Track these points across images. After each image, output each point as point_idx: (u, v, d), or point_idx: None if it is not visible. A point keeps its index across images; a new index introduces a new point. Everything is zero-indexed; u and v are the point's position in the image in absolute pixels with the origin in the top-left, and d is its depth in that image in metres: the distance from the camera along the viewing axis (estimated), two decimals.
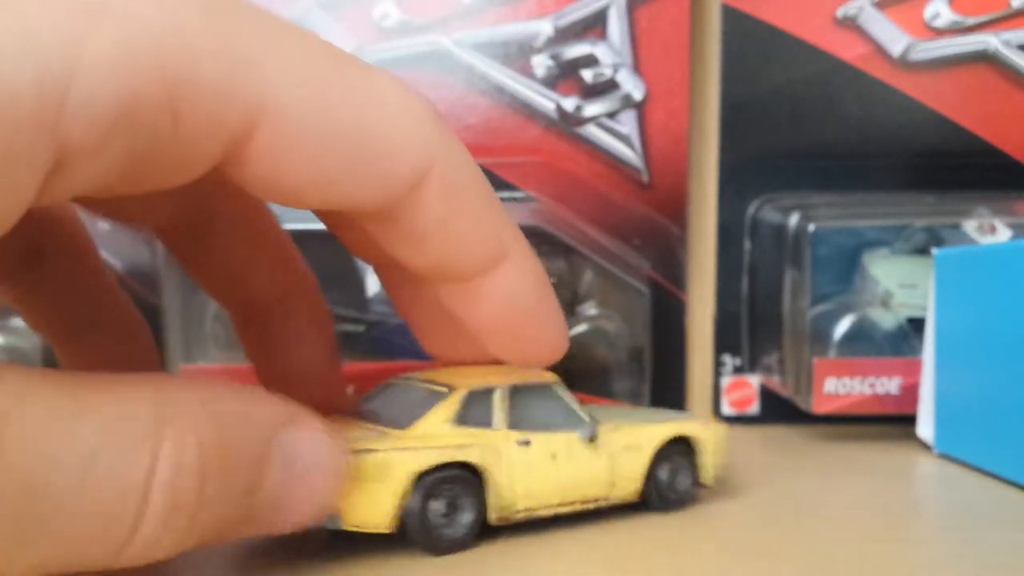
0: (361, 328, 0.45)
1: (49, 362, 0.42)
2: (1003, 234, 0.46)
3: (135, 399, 0.20)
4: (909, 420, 0.43)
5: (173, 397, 0.20)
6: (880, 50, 0.48)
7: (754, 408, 0.50)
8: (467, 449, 0.27)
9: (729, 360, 0.50)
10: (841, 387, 0.44)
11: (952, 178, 0.48)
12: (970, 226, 0.46)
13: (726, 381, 0.50)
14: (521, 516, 0.28)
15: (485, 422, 0.28)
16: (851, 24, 0.48)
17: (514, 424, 0.28)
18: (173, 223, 0.29)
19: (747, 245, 0.50)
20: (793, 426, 0.48)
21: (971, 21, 0.48)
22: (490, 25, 0.48)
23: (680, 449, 0.31)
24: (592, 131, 0.48)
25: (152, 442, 0.19)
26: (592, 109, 0.48)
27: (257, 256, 0.30)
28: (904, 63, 0.48)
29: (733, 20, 0.49)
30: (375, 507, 0.25)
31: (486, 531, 0.28)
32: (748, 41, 0.49)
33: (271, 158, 0.21)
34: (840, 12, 0.48)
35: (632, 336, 0.48)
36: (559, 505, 0.29)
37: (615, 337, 0.48)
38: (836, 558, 0.26)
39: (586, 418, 0.29)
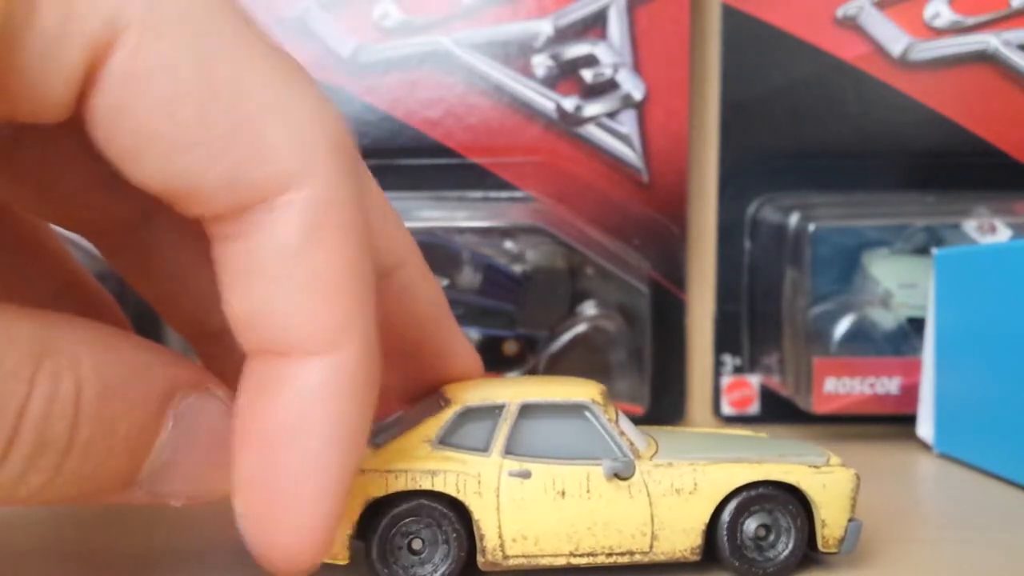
0: None
1: None
2: (1003, 234, 0.46)
3: (15, 327, 0.18)
4: (909, 420, 0.43)
5: (59, 333, 0.18)
6: (880, 50, 0.48)
7: (754, 408, 0.50)
8: (437, 476, 0.23)
9: (729, 360, 0.50)
10: (841, 387, 0.44)
11: (952, 178, 0.48)
12: (970, 226, 0.46)
13: (726, 381, 0.50)
14: (515, 563, 0.23)
15: (478, 445, 0.23)
16: (851, 24, 0.48)
17: (515, 450, 0.24)
18: (106, 228, 0.26)
19: (747, 245, 0.50)
20: (793, 426, 0.48)
21: (971, 21, 0.48)
22: (490, 25, 0.48)
23: (784, 499, 0.24)
24: (592, 131, 0.48)
25: (28, 370, 0.18)
26: (592, 109, 0.48)
27: (210, 277, 0.27)
28: (904, 63, 0.48)
29: (733, 20, 0.49)
30: None
31: None
32: (748, 41, 0.49)
33: (121, 93, 0.17)
34: (840, 12, 0.48)
35: (632, 336, 0.48)
36: (571, 555, 0.23)
37: (615, 337, 0.48)
38: (836, 558, 0.26)
39: (621, 448, 0.24)
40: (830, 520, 0.25)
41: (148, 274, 0.27)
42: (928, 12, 0.48)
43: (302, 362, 0.19)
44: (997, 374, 0.36)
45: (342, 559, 0.23)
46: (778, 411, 0.49)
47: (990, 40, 0.48)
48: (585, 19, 0.48)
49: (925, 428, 0.42)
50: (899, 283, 0.46)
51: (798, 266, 0.47)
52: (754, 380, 0.50)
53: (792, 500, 0.24)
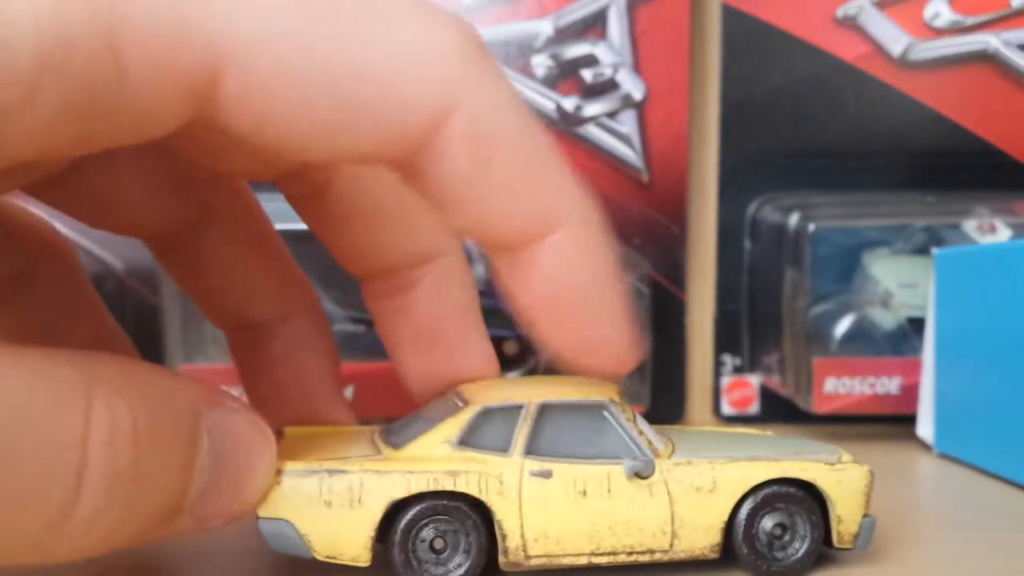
0: (362, 328, 0.45)
1: None
2: (1003, 234, 0.46)
3: (59, 361, 0.18)
4: (909, 420, 0.43)
5: (96, 363, 0.19)
6: (880, 50, 0.48)
7: (754, 408, 0.50)
8: (459, 477, 0.23)
9: (729, 360, 0.50)
10: (841, 387, 0.44)
11: (952, 178, 0.48)
12: (970, 226, 0.46)
13: (726, 381, 0.50)
14: (537, 563, 0.23)
15: (499, 446, 0.23)
16: (851, 24, 0.48)
17: (535, 450, 0.23)
18: (165, 231, 0.27)
19: (747, 245, 0.50)
20: (793, 426, 0.48)
21: (971, 21, 0.48)
22: (490, 25, 0.48)
23: (800, 497, 0.24)
24: (592, 131, 0.48)
25: (83, 401, 0.18)
26: (592, 109, 0.48)
27: (256, 272, 0.28)
28: (904, 63, 0.48)
29: (733, 20, 0.49)
30: (347, 536, 0.22)
31: None
32: (748, 41, 0.49)
33: (245, 107, 0.18)
34: (840, 12, 0.48)
35: None
36: (592, 554, 0.23)
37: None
38: (836, 558, 0.26)
39: (640, 447, 0.24)
40: (846, 516, 0.25)
41: (195, 271, 0.28)
42: (928, 12, 0.48)
43: (535, 247, 0.21)
44: (997, 374, 0.36)
45: (363, 561, 0.23)
46: (778, 411, 0.49)
47: (990, 40, 0.48)
48: (585, 19, 0.48)
49: (925, 428, 0.42)
50: (899, 283, 0.46)
51: (798, 266, 0.47)
52: (754, 380, 0.50)
53: (808, 498, 0.24)
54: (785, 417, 0.48)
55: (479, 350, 0.27)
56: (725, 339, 0.50)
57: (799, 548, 0.24)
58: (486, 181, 0.20)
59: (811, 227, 0.47)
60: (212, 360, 0.45)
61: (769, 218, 0.49)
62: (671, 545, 0.24)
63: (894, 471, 0.39)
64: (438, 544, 0.23)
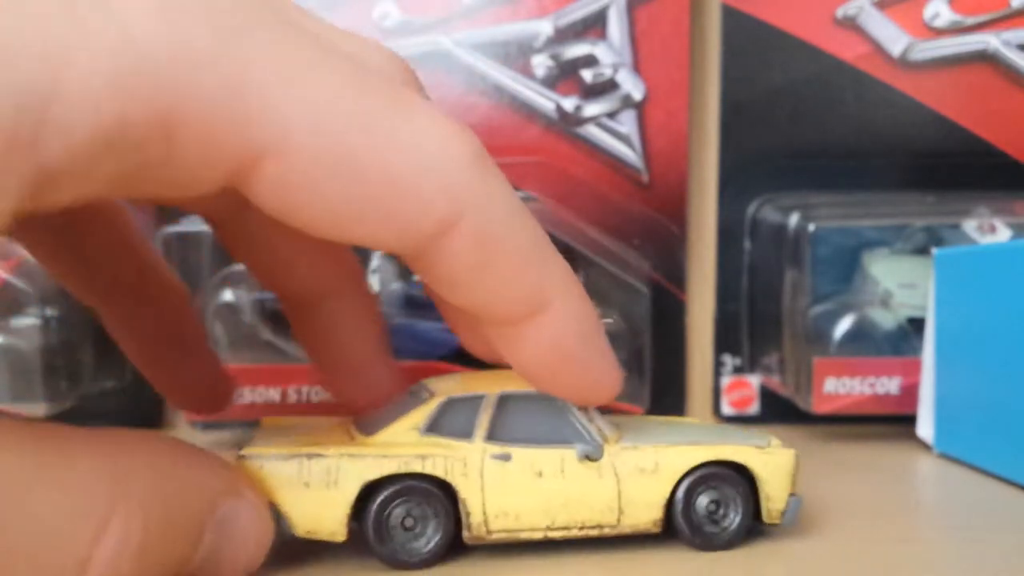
0: None
1: (49, 364, 0.42)
2: (1003, 234, 0.46)
3: (94, 469, 0.19)
4: (909, 420, 0.43)
5: (130, 470, 0.20)
6: (880, 50, 0.48)
7: (754, 408, 0.50)
8: (427, 460, 0.25)
9: (729, 360, 0.50)
10: (841, 387, 0.44)
11: (952, 178, 0.48)
12: (970, 226, 0.46)
13: (726, 381, 0.50)
14: (498, 537, 0.26)
15: (462, 432, 0.26)
16: (851, 24, 0.48)
17: (496, 436, 0.26)
18: (219, 211, 0.29)
19: (747, 245, 0.50)
20: (793, 426, 0.48)
21: (971, 21, 0.48)
22: (490, 25, 0.48)
23: (733, 477, 0.27)
24: (592, 131, 0.48)
25: (102, 516, 0.19)
26: (592, 109, 0.48)
27: (303, 248, 0.30)
28: (904, 63, 0.48)
29: (733, 20, 0.49)
30: (326, 515, 0.25)
31: (463, 551, 0.26)
32: (748, 41, 0.49)
33: (278, 193, 0.20)
34: (840, 12, 0.48)
35: (632, 336, 0.48)
36: (548, 529, 0.26)
37: (615, 337, 0.48)
38: (836, 558, 0.26)
39: (591, 434, 0.27)
40: (773, 495, 0.27)
41: (249, 247, 0.30)
42: (928, 12, 0.48)
43: (527, 324, 0.24)
44: (997, 374, 0.36)
45: (340, 537, 0.25)
46: (778, 411, 0.49)
47: (990, 40, 0.48)
48: (585, 19, 0.48)
49: (925, 428, 0.42)
50: (899, 283, 0.46)
51: (798, 266, 0.47)
52: (754, 380, 0.50)
53: (739, 478, 0.27)
54: (785, 417, 0.48)
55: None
56: (725, 339, 0.50)
57: (732, 522, 0.27)
58: (487, 273, 0.22)
59: (811, 227, 0.47)
60: None
61: (769, 218, 0.49)
62: (618, 521, 0.26)
63: (894, 471, 0.39)
64: (408, 522, 0.25)
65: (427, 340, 0.45)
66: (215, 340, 0.44)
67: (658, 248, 0.49)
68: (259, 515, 0.23)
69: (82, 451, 0.19)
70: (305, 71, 0.19)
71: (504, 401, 0.26)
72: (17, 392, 0.41)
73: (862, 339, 0.45)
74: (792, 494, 0.28)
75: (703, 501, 0.27)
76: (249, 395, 0.43)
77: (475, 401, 0.26)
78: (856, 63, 0.48)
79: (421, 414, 0.26)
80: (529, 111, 0.48)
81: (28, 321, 0.42)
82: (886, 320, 0.45)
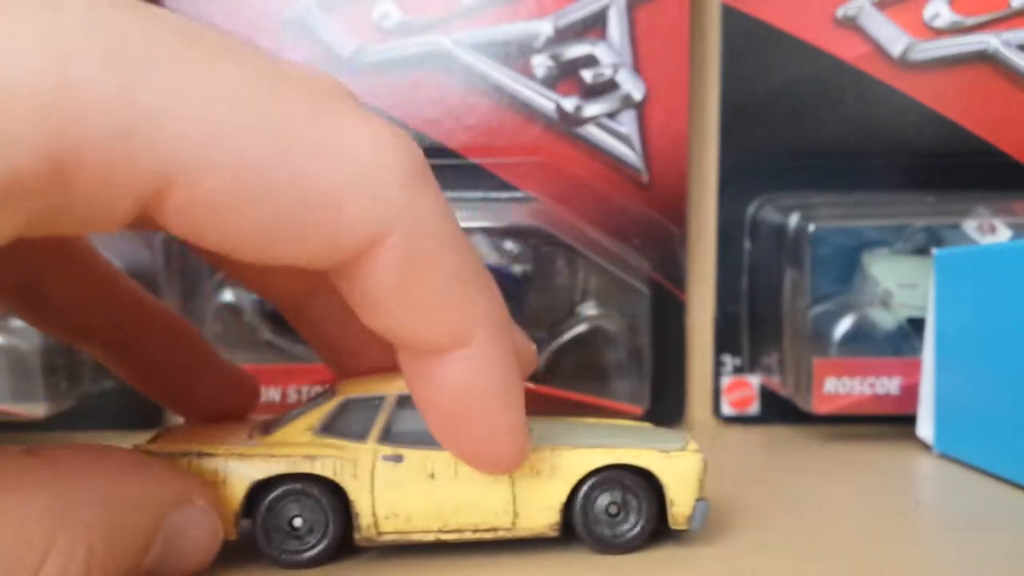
0: None
1: (49, 364, 0.42)
2: (1003, 234, 0.46)
3: (28, 503, 0.19)
4: (909, 420, 0.43)
5: (70, 494, 0.20)
6: (880, 50, 0.48)
7: (754, 408, 0.50)
8: (316, 460, 0.25)
9: (729, 360, 0.50)
10: (841, 387, 0.44)
11: (952, 178, 0.48)
12: (970, 226, 0.46)
13: (726, 381, 0.50)
14: (388, 539, 0.26)
15: (357, 433, 0.26)
16: (851, 24, 0.48)
17: (390, 437, 0.26)
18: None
19: (747, 245, 0.50)
20: (793, 426, 0.48)
21: (971, 21, 0.48)
22: (490, 25, 0.48)
23: (636, 481, 0.27)
24: (592, 131, 0.48)
25: (42, 547, 0.19)
26: (592, 109, 0.48)
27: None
28: (904, 63, 0.48)
29: (733, 20, 0.49)
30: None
31: (355, 552, 0.26)
32: (748, 41, 0.49)
33: (190, 218, 0.19)
34: (840, 12, 0.48)
35: (632, 336, 0.48)
36: (440, 531, 0.26)
37: (615, 337, 0.48)
38: (836, 558, 0.26)
39: None
40: (678, 500, 0.27)
41: (219, 258, 0.29)
42: (928, 12, 0.48)
43: (444, 357, 0.22)
44: (997, 374, 0.36)
45: (230, 535, 0.25)
46: (778, 411, 0.49)
47: (990, 40, 0.48)
48: (585, 19, 0.48)
49: (925, 428, 0.42)
50: (899, 283, 0.46)
51: (798, 266, 0.47)
52: (754, 380, 0.50)
53: (641, 482, 0.27)
54: (785, 417, 0.48)
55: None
56: (725, 339, 0.50)
57: (632, 526, 0.27)
58: (410, 296, 0.21)
59: (811, 227, 0.47)
60: None
61: (769, 218, 0.49)
62: (513, 524, 0.26)
63: (894, 471, 0.39)
64: (297, 522, 0.25)
65: None
66: (215, 340, 0.44)
67: (658, 248, 0.49)
68: (208, 521, 0.23)
69: (15, 487, 0.19)
70: (202, 91, 0.18)
71: (402, 402, 0.26)
72: (17, 392, 0.41)
73: (862, 339, 0.45)
74: (700, 499, 0.27)
75: (602, 504, 0.26)
76: None
77: (373, 402, 0.26)
78: (856, 63, 0.48)
79: (318, 415, 0.26)
80: (529, 111, 0.48)
81: None
82: (886, 320, 0.45)
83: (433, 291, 0.21)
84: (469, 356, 0.22)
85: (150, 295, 0.30)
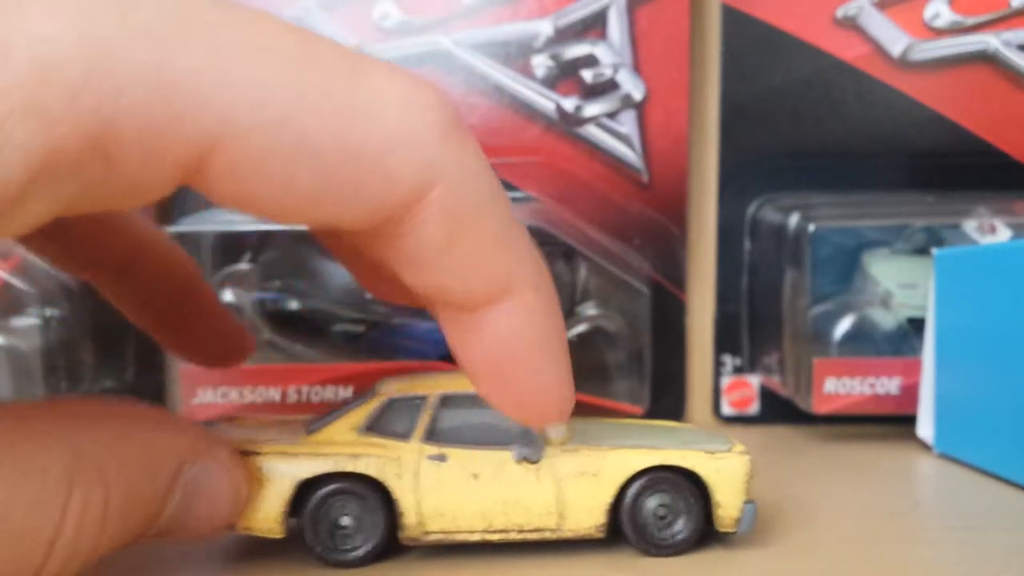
0: (361, 328, 0.45)
1: (49, 364, 0.42)
2: (1003, 234, 0.46)
3: (47, 454, 0.20)
4: (909, 420, 0.43)
5: (88, 441, 0.20)
6: (880, 50, 0.48)
7: (754, 408, 0.50)
8: (360, 459, 0.25)
9: (729, 360, 0.50)
10: (841, 387, 0.44)
11: (952, 178, 0.48)
12: (970, 226, 0.46)
13: (726, 381, 0.50)
14: (433, 539, 0.26)
15: (401, 432, 0.26)
16: (851, 24, 0.48)
17: (434, 437, 0.26)
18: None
19: (747, 245, 0.50)
20: (793, 426, 0.48)
21: (971, 21, 0.48)
22: (490, 25, 0.48)
23: (682, 483, 0.26)
24: (592, 131, 0.48)
25: (62, 496, 0.19)
26: (592, 109, 0.48)
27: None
28: (904, 63, 0.48)
29: (733, 20, 0.49)
30: (261, 512, 0.25)
31: (402, 551, 0.27)
32: (748, 41, 0.49)
33: (234, 182, 0.19)
34: (840, 12, 0.48)
35: (632, 336, 0.48)
36: (485, 531, 0.26)
37: (615, 337, 0.48)
38: (836, 557, 0.26)
39: (532, 436, 0.26)
40: (724, 502, 0.26)
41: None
42: (928, 12, 0.48)
43: (489, 310, 0.22)
44: (997, 374, 0.36)
45: (277, 533, 0.25)
46: (778, 411, 0.49)
47: (990, 40, 0.48)
48: (585, 19, 0.48)
49: (925, 428, 0.42)
50: (899, 283, 0.46)
51: (798, 266, 0.47)
52: (754, 380, 0.50)
53: (688, 483, 0.26)
54: (785, 417, 0.48)
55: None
56: (725, 339, 0.50)
57: (681, 529, 0.26)
58: (454, 250, 0.21)
59: (811, 227, 0.47)
60: None
61: (769, 218, 0.49)
62: (558, 525, 0.26)
63: (894, 471, 0.39)
64: (344, 521, 0.26)
65: (427, 340, 0.45)
66: None
67: (658, 248, 0.49)
68: (230, 474, 0.23)
69: (37, 430, 0.20)
70: (239, 53, 0.18)
71: (445, 402, 0.26)
72: (17, 392, 0.41)
73: (862, 339, 0.45)
74: (748, 501, 0.27)
75: (651, 506, 0.26)
76: (249, 395, 0.43)
77: (416, 401, 0.26)
78: (856, 63, 0.48)
79: (362, 413, 0.26)
80: (529, 111, 0.48)
81: (28, 321, 0.42)
82: (886, 320, 0.45)
83: (478, 243, 0.21)
84: (514, 307, 0.22)
85: (151, 222, 0.31)
